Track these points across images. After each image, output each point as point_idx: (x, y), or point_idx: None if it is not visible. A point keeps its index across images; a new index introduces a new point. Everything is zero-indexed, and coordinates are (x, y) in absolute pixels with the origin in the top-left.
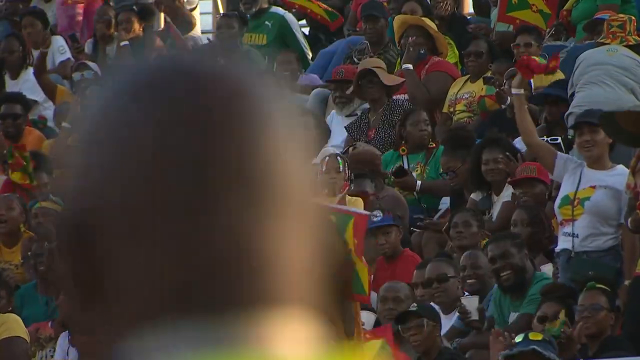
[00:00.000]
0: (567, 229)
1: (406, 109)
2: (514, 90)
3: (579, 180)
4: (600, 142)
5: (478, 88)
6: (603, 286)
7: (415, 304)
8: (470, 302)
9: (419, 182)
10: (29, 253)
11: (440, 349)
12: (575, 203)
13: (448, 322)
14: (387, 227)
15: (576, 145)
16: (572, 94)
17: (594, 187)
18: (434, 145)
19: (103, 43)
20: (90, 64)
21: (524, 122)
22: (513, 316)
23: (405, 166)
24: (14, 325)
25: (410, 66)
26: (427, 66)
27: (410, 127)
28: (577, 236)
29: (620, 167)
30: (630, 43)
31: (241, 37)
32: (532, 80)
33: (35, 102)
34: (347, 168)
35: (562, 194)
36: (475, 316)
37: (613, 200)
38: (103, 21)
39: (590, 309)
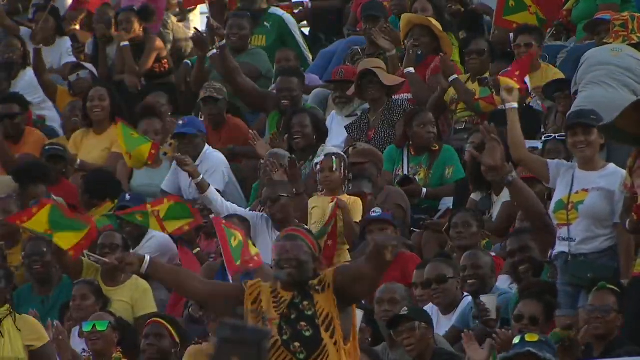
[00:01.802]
0: (563, 233)
1: (407, 109)
2: (507, 104)
3: (572, 184)
4: (593, 143)
5: (478, 87)
6: (613, 287)
7: (406, 308)
8: (490, 301)
9: (424, 190)
10: (24, 253)
11: (434, 350)
12: (570, 207)
13: (447, 322)
14: (383, 223)
15: (569, 146)
16: (575, 92)
17: (586, 190)
18: (437, 147)
19: (103, 43)
20: (86, 64)
21: (515, 136)
22: None
23: (405, 165)
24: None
25: (412, 70)
26: (431, 66)
27: (417, 128)
28: (574, 240)
29: (612, 166)
30: (633, 41)
31: (251, 37)
32: (529, 82)
33: (30, 103)
34: (342, 168)
35: (555, 198)
36: (494, 315)
37: (606, 201)
38: (103, 21)
39: (601, 311)
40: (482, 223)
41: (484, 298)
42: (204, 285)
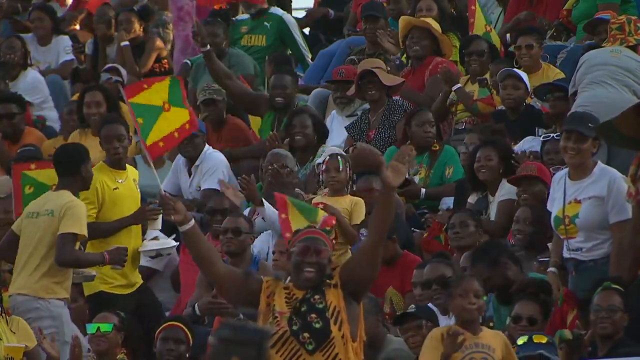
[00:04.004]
0: (567, 245)
1: (407, 109)
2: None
3: (564, 195)
4: (584, 151)
5: (477, 88)
6: (617, 286)
7: (413, 305)
8: None
9: (423, 190)
10: None
11: None
12: (567, 222)
13: (447, 322)
14: None
15: (560, 148)
16: (574, 93)
17: (579, 201)
18: (437, 147)
19: (103, 43)
20: (121, 69)
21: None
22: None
23: None
24: None
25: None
26: (430, 67)
27: (415, 127)
28: (581, 249)
29: (598, 169)
30: (631, 44)
31: (227, 41)
32: (528, 82)
33: (31, 104)
34: (348, 168)
35: (553, 213)
36: None
37: (599, 208)
38: (103, 21)
39: (608, 310)
40: (480, 223)
41: None
42: (226, 268)
